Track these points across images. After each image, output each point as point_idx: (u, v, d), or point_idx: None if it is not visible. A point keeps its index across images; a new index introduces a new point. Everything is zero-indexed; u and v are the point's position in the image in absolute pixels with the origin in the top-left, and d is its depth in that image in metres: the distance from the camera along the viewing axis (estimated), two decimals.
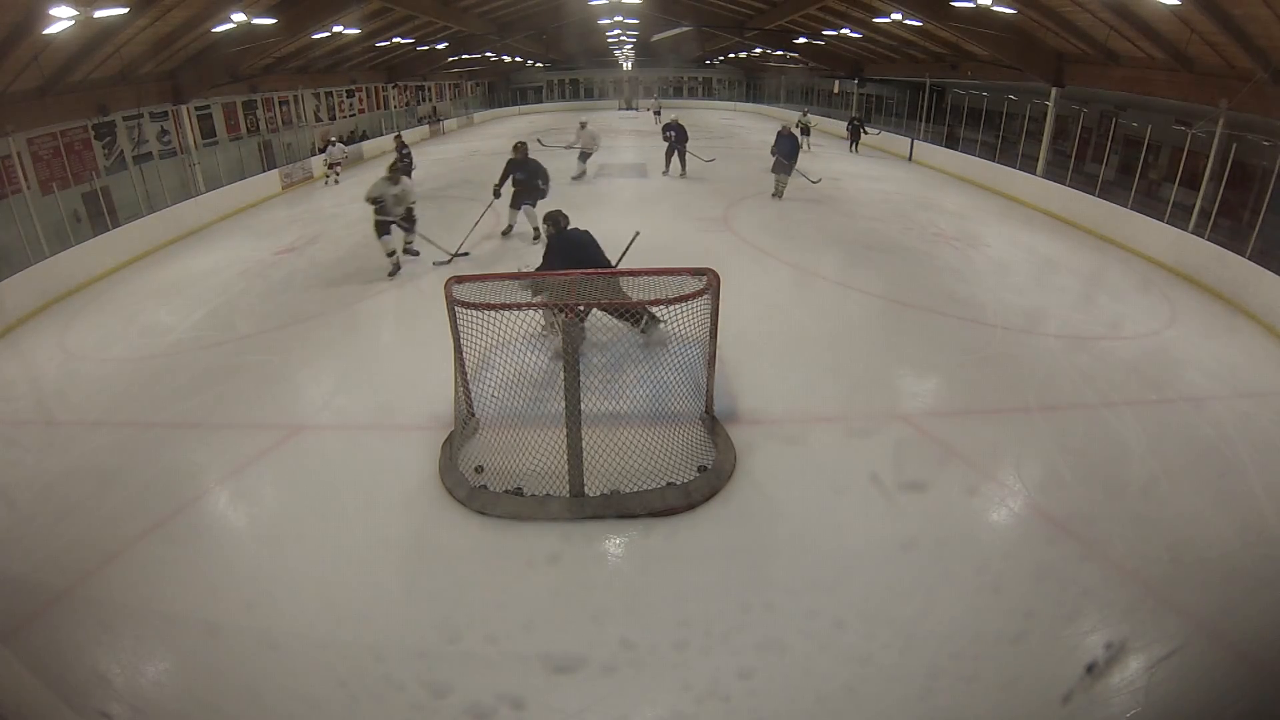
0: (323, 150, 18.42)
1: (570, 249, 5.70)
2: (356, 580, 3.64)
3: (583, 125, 14.83)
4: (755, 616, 3.32)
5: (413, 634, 3.28)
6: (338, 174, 16.86)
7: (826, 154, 18.46)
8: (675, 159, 15.04)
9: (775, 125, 27.47)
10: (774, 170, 12.77)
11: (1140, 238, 9.83)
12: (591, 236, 5.88)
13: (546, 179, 9.46)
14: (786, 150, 12.55)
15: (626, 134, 23.92)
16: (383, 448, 4.86)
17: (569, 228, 6.03)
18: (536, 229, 9.14)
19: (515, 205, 9.46)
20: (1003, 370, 5.92)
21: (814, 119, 20.83)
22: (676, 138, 14.87)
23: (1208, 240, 8.64)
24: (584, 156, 14.56)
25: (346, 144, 20.27)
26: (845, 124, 20.34)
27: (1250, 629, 3.12)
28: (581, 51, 33.14)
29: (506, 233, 9.84)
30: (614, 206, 12.36)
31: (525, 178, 9.37)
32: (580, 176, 14.40)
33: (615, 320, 5.31)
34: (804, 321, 6.98)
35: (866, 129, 19.74)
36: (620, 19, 25.13)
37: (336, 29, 15.23)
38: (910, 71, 19.26)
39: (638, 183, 14.66)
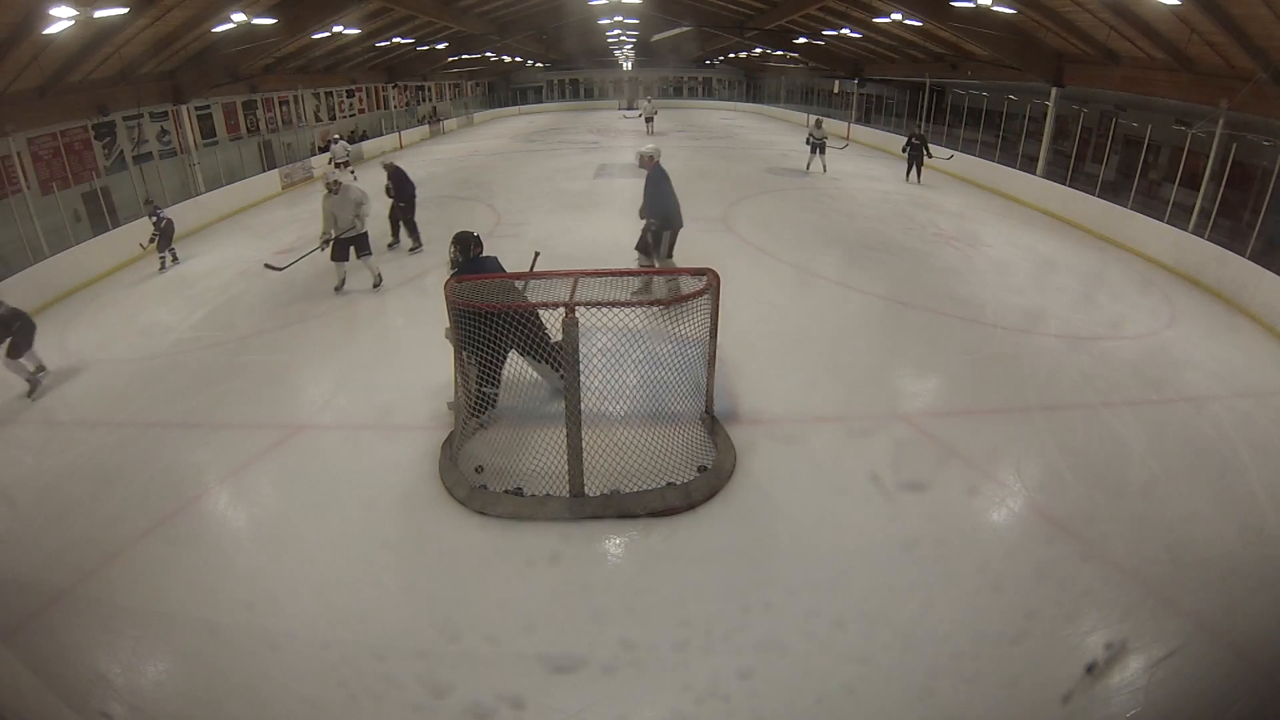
0: (324, 149, 18.35)
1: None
2: (356, 580, 3.64)
3: (330, 189, 7.79)
4: (755, 616, 3.32)
5: (413, 634, 3.28)
6: (352, 172, 16.44)
7: (828, 154, 18.31)
8: (403, 230, 9.63)
9: (776, 125, 27.25)
10: (639, 246, 6.96)
11: (1140, 238, 9.84)
12: (499, 263, 5.15)
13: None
14: (663, 205, 6.71)
15: (627, 134, 23.92)
16: (383, 447, 4.86)
17: (482, 255, 5.14)
18: None
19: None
20: (1003, 370, 5.92)
21: (828, 128, 16.56)
22: (395, 194, 9.39)
23: (1208, 240, 8.65)
24: (348, 247, 7.92)
25: (349, 143, 20.26)
26: (903, 144, 15.36)
27: (1250, 629, 3.12)
28: (581, 51, 33.21)
29: None
30: (614, 207, 12.34)
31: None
32: (341, 287, 8.07)
33: (533, 365, 4.87)
34: (804, 321, 6.97)
35: (930, 149, 14.73)
36: (620, 19, 25.13)
37: (336, 29, 15.23)
38: (910, 71, 19.25)
39: (637, 183, 14.62)
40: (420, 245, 9.75)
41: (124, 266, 10.19)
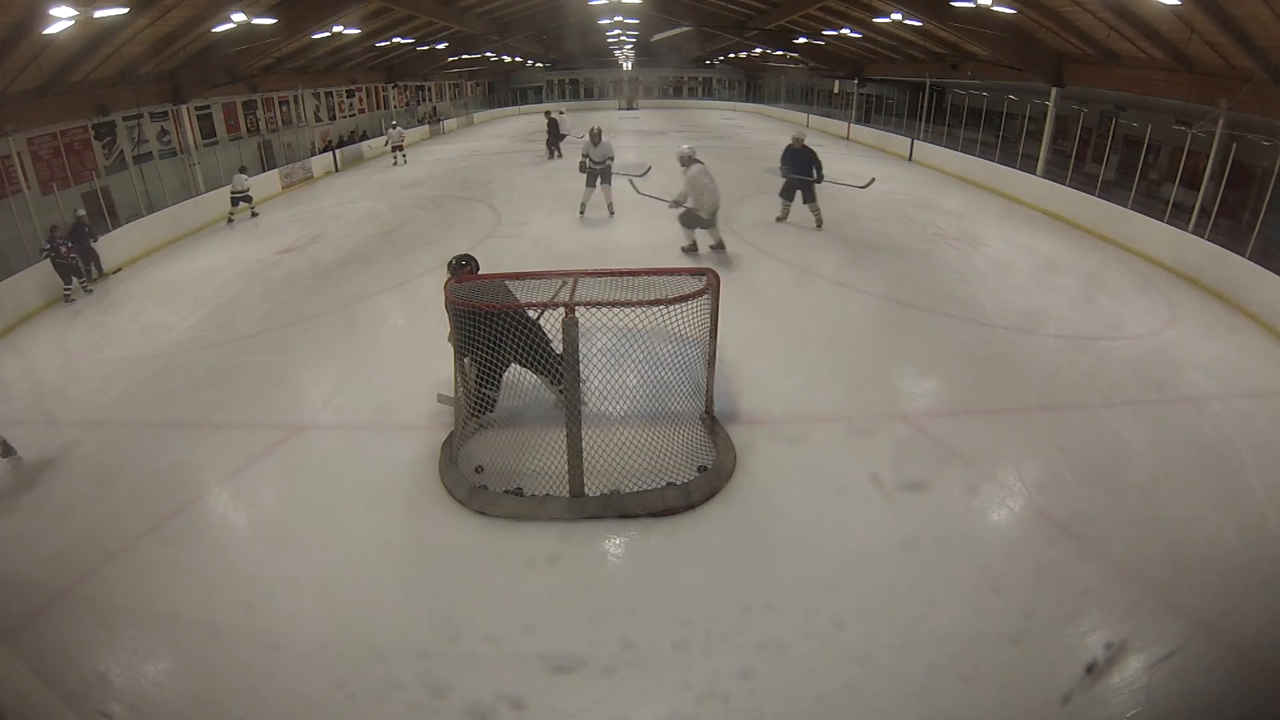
0: (342, 144, 18.59)
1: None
2: (356, 580, 3.65)
3: None
4: (755, 616, 3.32)
5: (413, 634, 3.29)
6: (404, 155, 19.38)
7: (824, 154, 18.24)
8: None
9: (777, 125, 27.21)
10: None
11: (1140, 238, 9.83)
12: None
13: None
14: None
15: (627, 134, 23.90)
16: (383, 448, 4.86)
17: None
18: None
19: None
20: (1003, 370, 5.92)
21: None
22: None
23: (1208, 240, 8.64)
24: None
25: (349, 143, 20.49)
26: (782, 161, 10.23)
27: (1250, 629, 3.12)
28: (581, 51, 33.15)
29: None
30: (614, 205, 12.34)
31: None
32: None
33: (533, 376, 4.82)
34: (804, 321, 6.97)
35: (821, 172, 9.89)
36: (620, 19, 25.11)
37: (336, 29, 15.21)
38: (910, 71, 19.24)
39: (638, 182, 14.61)
40: None
41: (128, 265, 10.20)
